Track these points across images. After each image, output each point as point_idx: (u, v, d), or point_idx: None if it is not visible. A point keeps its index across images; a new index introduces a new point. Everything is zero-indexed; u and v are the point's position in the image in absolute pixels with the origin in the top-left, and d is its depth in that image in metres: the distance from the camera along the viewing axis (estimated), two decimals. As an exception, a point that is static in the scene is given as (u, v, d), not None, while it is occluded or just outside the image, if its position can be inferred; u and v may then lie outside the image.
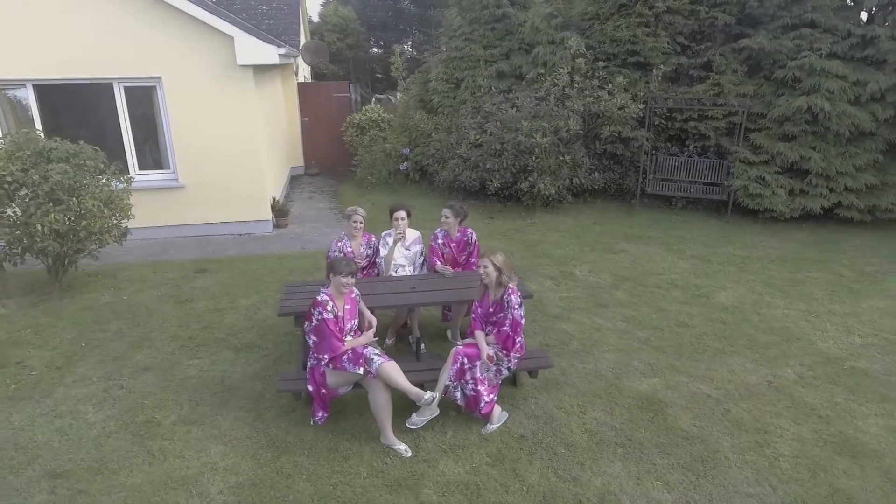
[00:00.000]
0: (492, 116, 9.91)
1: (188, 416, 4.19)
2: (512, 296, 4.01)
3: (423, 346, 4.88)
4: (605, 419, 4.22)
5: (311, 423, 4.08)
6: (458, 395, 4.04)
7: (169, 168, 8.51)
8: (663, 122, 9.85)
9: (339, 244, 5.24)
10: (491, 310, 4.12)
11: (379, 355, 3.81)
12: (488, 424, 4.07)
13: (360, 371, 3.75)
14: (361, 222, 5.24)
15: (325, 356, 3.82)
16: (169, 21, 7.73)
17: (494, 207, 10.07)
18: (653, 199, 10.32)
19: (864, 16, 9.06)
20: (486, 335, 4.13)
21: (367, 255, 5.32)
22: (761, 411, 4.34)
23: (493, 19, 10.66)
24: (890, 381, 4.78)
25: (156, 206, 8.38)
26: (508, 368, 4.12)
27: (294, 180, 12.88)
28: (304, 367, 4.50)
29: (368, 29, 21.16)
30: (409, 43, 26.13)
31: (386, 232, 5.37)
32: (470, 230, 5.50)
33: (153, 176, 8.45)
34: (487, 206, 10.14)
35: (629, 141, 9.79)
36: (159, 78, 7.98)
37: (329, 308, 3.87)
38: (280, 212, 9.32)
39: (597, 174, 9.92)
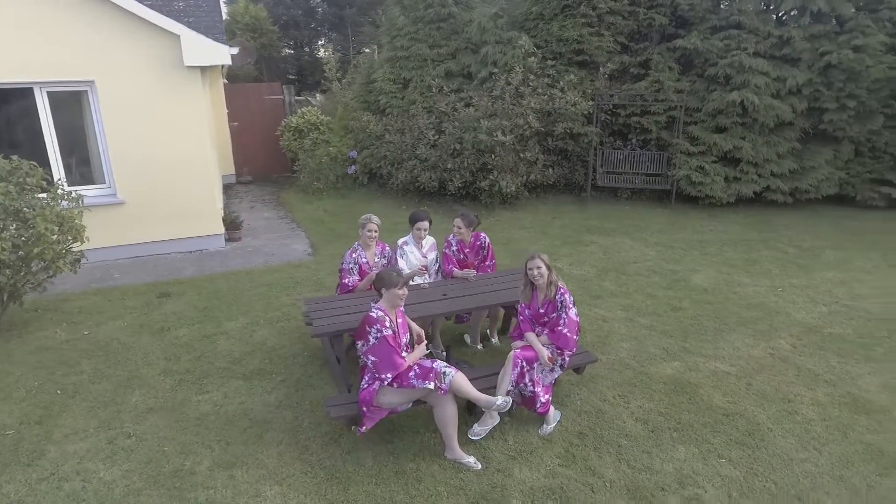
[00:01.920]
0: (447, 116, 9.86)
1: (224, 459, 3.74)
2: (566, 295, 4.00)
3: (452, 353, 4.75)
4: (649, 406, 4.34)
5: (353, 429, 3.83)
6: (518, 398, 3.97)
7: (104, 182, 7.57)
8: (609, 117, 10.34)
9: (354, 255, 4.94)
10: (542, 310, 4.08)
11: (448, 367, 3.64)
12: (545, 425, 4.03)
13: (431, 386, 3.56)
14: (376, 231, 4.98)
15: (389, 375, 3.58)
16: (103, 18, 6.86)
17: (454, 207, 10.03)
18: (600, 192, 10.81)
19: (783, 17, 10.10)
20: (538, 336, 4.09)
21: (383, 266, 5.06)
22: (777, 381, 4.68)
23: (438, 18, 10.59)
24: (865, 342, 5.36)
25: (91, 226, 7.34)
26: (561, 367, 4.11)
27: (227, 190, 11.99)
28: (348, 389, 4.21)
29: (281, 28, 20.22)
30: (323, 42, 25.26)
31: (402, 240, 5.15)
32: (483, 234, 5.42)
33: (86, 192, 7.44)
34: (446, 206, 10.08)
35: (579, 137, 10.17)
36: (92, 82, 7.06)
37: (387, 324, 3.63)
38: (232, 224, 8.63)
39: (550, 170, 10.21)
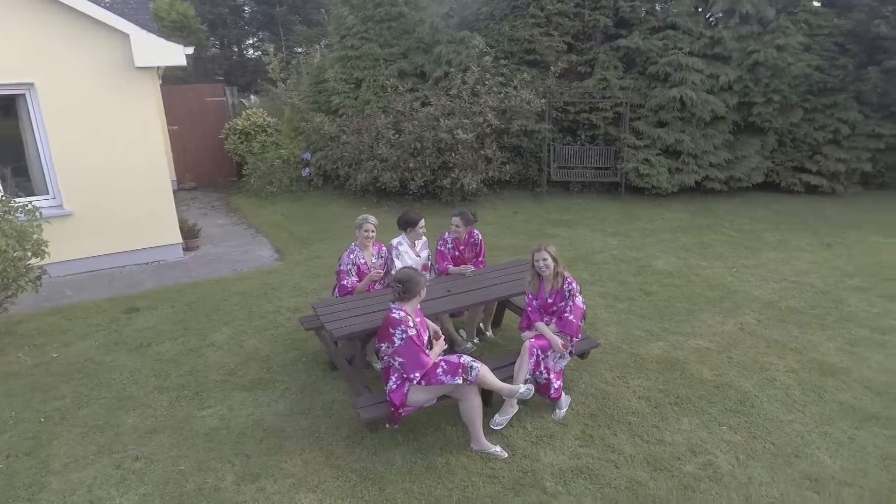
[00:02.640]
0: (405, 116, 9.87)
1: (247, 472, 3.62)
2: (573, 284, 4.18)
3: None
4: (647, 384, 4.62)
5: (387, 426, 3.85)
6: (534, 385, 4.11)
7: (48, 193, 6.99)
8: (560, 114, 10.75)
9: (352, 256, 4.89)
10: (550, 300, 4.24)
11: (474, 361, 3.71)
12: (557, 410, 4.20)
13: (460, 381, 3.62)
14: (373, 231, 4.95)
15: (418, 374, 3.61)
16: (42, 15, 6.35)
17: (415, 207, 10.06)
18: (553, 186, 11.21)
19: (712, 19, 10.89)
20: (547, 325, 4.24)
21: (380, 266, 5.03)
22: (752, 353, 5.11)
23: (388, 18, 10.57)
24: (817, 313, 5.95)
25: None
26: (570, 353, 4.29)
27: (170, 197, 11.34)
28: (367, 389, 4.17)
29: (208, 27, 19.29)
30: (254, 41, 24.35)
31: (396, 240, 5.14)
32: (476, 231, 5.51)
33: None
34: (406, 205, 10.08)
35: (532, 134, 10.50)
36: (31, 84, 6.51)
37: (411, 324, 3.65)
38: (189, 233, 8.22)
39: (507, 166, 10.48)
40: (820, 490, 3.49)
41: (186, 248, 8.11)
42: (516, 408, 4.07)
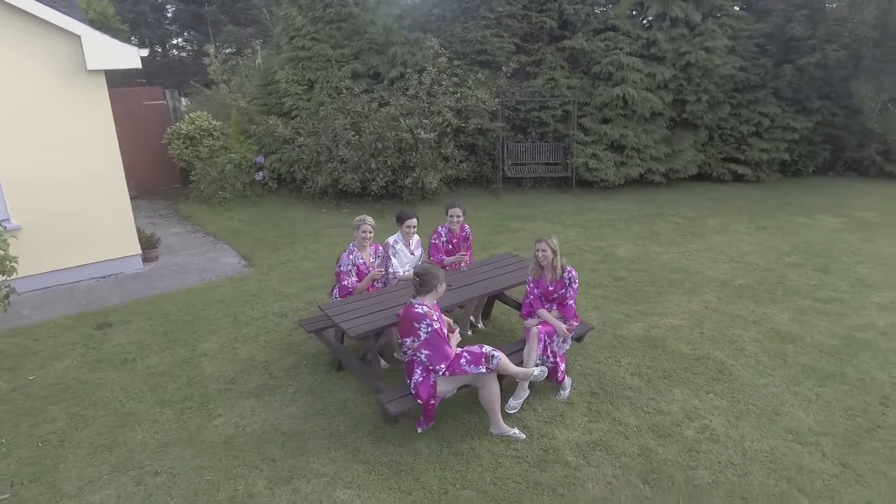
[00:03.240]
0: (363, 116, 9.87)
1: (278, 475, 3.62)
2: (572, 273, 4.46)
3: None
4: (636, 361, 4.99)
5: (418, 431, 3.96)
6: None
7: (-8, 206, 6.46)
8: (511, 113, 11.12)
9: (351, 257, 4.94)
10: (550, 288, 4.50)
11: (493, 350, 3.88)
12: (562, 391, 4.47)
13: (483, 370, 3.79)
14: (371, 232, 5.01)
15: (443, 365, 3.74)
16: (-19, 15, 5.86)
17: (376, 207, 10.08)
18: (506, 183, 11.58)
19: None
20: (549, 311, 4.50)
21: (378, 265, 5.10)
22: (720, 328, 5.62)
23: (338, 18, 10.49)
24: (766, 288, 6.60)
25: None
26: (571, 337, 4.57)
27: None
28: (383, 385, 4.24)
29: (130, 27, 18.19)
30: (178, 41, 23.14)
31: (392, 239, 5.23)
32: (466, 225, 5.70)
33: (-31, 219, 6.31)
34: (367, 206, 10.09)
35: (487, 132, 10.81)
36: (-30, 90, 5.99)
37: (435, 318, 3.78)
38: (148, 243, 7.83)
39: (464, 164, 10.72)
40: (802, 441, 3.96)
41: (146, 259, 7.74)
42: (528, 391, 4.30)
